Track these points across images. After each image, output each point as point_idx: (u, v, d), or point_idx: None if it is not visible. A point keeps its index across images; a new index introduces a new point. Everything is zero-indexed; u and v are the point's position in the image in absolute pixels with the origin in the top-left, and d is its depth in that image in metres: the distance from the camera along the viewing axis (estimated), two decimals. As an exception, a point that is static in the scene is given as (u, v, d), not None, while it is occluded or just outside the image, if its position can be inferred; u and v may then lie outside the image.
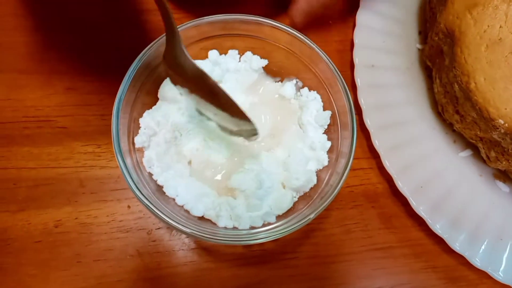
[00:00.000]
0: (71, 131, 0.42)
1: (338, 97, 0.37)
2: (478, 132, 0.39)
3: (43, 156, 0.41)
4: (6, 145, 0.41)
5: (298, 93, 0.40)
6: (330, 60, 0.36)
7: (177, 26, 0.36)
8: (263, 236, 0.33)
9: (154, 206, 0.32)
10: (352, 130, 0.35)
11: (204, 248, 0.40)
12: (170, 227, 0.39)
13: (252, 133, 0.34)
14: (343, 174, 0.34)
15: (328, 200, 0.33)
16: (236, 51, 0.40)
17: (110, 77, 0.43)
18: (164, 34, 0.36)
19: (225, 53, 0.40)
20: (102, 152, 0.41)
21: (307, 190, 0.37)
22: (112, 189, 0.40)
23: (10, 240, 0.38)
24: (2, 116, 0.41)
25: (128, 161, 0.34)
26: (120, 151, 0.33)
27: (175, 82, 0.36)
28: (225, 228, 0.35)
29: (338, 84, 0.36)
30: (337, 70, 0.36)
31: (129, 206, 0.40)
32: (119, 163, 0.33)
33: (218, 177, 0.38)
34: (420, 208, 0.40)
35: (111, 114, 0.42)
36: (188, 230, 0.32)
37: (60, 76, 0.43)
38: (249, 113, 0.32)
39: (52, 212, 0.39)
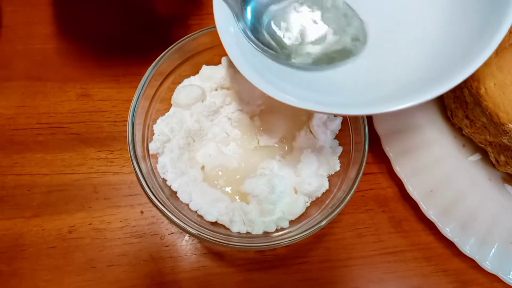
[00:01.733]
0: (84, 137, 0.42)
1: None
2: (488, 137, 0.40)
3: (56, 162, 0.41)
4: (20, 151, 0.41)
5: None
6: None
7: (192, 33, 0.36)
8: (277, 241, 0.33)
9: (169, 211, 0.33)
10: (364, 135, 0.36)
11: (216, 253, 0.40)
12: (183, 232, 0.40)
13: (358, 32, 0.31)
14: (355, 180, 0.34)
15: (341, 206, 0.34)
16: None
17: (122, 84, 0.44)
18: (178, 42, 0.36)
19: None
20: (115, 158, 0.42)
21: (319, 195, 0.37)
22: (125, 194, 0.41)
23: (25, 246, 0.39)
24: (16, 123, 0.42)
25: (143, 167, 0.34)
26: (135, 157, 0.33)
27: None
28: (239, 233, 0.35)
29: None
30: None
31: (142, 212, 0.40)
32: (135, 169, 0.33)
33: (231, 182, 0.38)
34: (430, 212, 0.40)
35: (123, 120, 0.43)
36: (202, 236, 0.32)
37: (73, 83, 0.44)
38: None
39: (66, 218, 0.40)
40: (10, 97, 0.43)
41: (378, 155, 0.44)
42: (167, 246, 0.40)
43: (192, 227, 0.33)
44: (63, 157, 0.41)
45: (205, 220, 0.36)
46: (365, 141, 0.35)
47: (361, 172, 0.35)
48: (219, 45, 0.39)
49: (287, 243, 0.33)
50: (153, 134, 0.37)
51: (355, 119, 0.37)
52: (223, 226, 0.36)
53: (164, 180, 0.37)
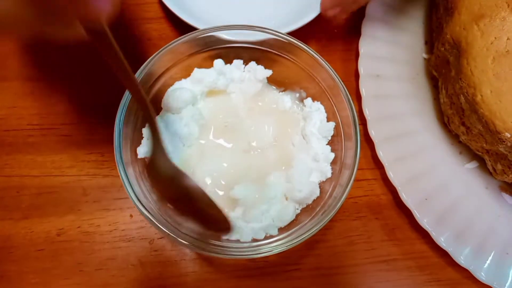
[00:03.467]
0: (75, 139, 0.42)
1: (341, 108, 0.37)
2: (484, 145, 0.39)
3: (46, 164, 0.41)
4: (10, 152, 0.41)
5: (301, 104, 0.40)
6: (333, 70, 0.36)
7: (184, 35, 0.36)
8: (266, 249, 0.33)
9: (154, 218, 0.32)
10: (356, 141, 0.35)
11: (206, 258, 0.40)
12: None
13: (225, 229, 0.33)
14: (346, 186, 0.34)
15: (331, 213, 0.33)
16: (241, 61, 0.40)
17: (115, 86, 0.43)
18: (169, 43, 0.36)
19: (230, 63, 0.40)
20: (105, 161, 0.41)
21: (310, 202, 0.37)
22: (115, 197, 0.40)
23: (13, 248, 0.38)
24: (7, 124, 0.42)
25: (130, 171, 0.34)
26: (121, 161, 0.33)
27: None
28: (228, 240, 0.35)
29: (341, 94, 0.36)
30: (340, 80, 0.36)
31: (131, 215, 0.40)
32: (121, 174, 0.32)
33: (221, 187, 0.37)
34: (424, 220, 0.40)
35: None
36: (187, 243, 0.32)
37: (66, 84, 0.43)
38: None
39: (55, 221, 0.39)
40: (1, 97, 0.42)
41: (372, 161, 0.44)
42: (156, 250, 0.39)
43: (177, 235, 0.32)
44: (54, 159, 0.41)
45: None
46: (357, 147, 0.35)
47: (352, 179, 0.34)
48: (211, 48, 0.39)
49: (277, 251, 0.33)
50: (142, 137, 0.37)
51: (347, 125, 0.36)
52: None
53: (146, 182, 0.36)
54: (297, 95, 0.40)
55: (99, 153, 0.42)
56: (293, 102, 0.40)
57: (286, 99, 0.40)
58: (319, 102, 0.39)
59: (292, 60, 0.38)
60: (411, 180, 0.41)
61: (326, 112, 0.39)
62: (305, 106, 0.39)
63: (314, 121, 0.38)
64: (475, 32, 0.37)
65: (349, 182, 0.34)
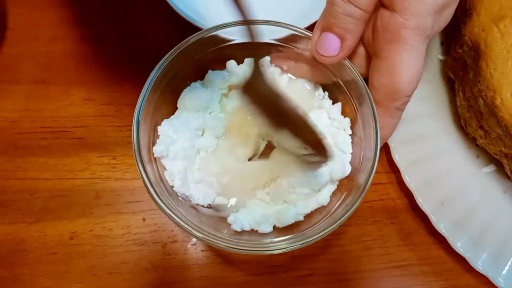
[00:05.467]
0: (87, 142, 0.42)
1: (360, 103, 0.36)
2: (503, 148, 0.38)
3: (59, 167, 0.41)
4: (23, 155, 0.41)
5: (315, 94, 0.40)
6: (351, 64, 0.35)
7: (196, 34, 0.36)
8: (281, 246, 0.32)
9: (177, 216, 0.31)
10: (376, 143, 0.34)
11: (219, 263, 0.39)
12: (186, 241, 0.39)
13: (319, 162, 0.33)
14: (363, 191, 0.33)
15: (343, 218, 0.32)
16: (252, 59, 0.39)
17: (127, 88, 0.43)
18: (182, 43, 0.35)
19: (241, 62, 0.40)
20: (117, 164, 0.41)
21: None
22: (127, 201, 0.40)
23: (26, 251, 0.38)
24: (20, 127, 0.42)
25: (149, 169, 0.33)
26: (141, 160, 0.32)
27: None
28: (245, 234, 0.34)
29: (360, 88, 0.35)
30: (357, 73, 0.35)
31: (144, 219, 0.40)
32: (140, 172, 0.32)
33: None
34: (441, 225, 0.39)
35: (127, 125, 0.42)
36: (202, 236, 0.31)
37: (77, 87, 0.43)
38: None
39: (68, 224, 0.39)
40: (14, 100, 0.42)
41: (388, 164, 0.43)
42: (169, 254, 0.39)
43: (200, 232, 0.31)
44: (66, 162, 0.41)
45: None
46: (376, 146, 0.34)
47: (370, 182, 0.33)
48: (225, 46, 0.38)
49: (291, 249, 0.32)
50: (157, 137, 0.36)
51: (369, 127, 0.35)
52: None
53: (165, 181, 0.35)
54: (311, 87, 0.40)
55: (111, 156, 0.41)
56: (306, 92, 0.39)
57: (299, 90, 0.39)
58: (320, 88, 0.39)
59: (306, 54, 0.38)
60: (427, 184, 0.40)
61: (343, 106, 0.38)
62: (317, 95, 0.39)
63: (324, 106, 0.38)
64: (495, 33, 0.36)
65: (366, 186, 0.33)
